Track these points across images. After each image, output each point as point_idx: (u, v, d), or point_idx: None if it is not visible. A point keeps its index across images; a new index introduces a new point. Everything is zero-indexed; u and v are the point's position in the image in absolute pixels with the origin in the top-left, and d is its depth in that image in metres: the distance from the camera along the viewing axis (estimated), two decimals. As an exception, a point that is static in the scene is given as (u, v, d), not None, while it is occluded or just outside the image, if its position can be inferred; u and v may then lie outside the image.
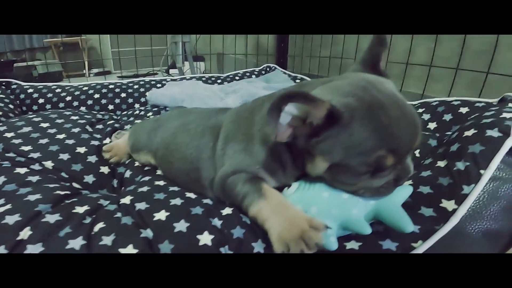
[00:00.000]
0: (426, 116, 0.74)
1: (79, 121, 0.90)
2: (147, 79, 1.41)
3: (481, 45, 0.94)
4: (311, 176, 0.46)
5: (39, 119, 0.85)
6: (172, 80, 1.47)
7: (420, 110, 0.77)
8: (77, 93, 1.23)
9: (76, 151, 0.74)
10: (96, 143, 0.80)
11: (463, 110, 0.67)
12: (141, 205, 0.50)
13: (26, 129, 0.78)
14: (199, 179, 0.57)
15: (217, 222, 0.46)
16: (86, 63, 3.25)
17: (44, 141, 0.74)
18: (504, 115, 0.53)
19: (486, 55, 0.85)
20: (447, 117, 0.69)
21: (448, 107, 0.71)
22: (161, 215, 0.47)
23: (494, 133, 0.49)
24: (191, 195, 0.54)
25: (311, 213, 0.43)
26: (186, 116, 0.70)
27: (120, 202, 0.53)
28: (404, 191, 0.45)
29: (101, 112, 1.17)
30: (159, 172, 0.71)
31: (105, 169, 0.73)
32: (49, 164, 0.67)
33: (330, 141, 0.39)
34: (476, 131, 0.52)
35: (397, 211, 0.41)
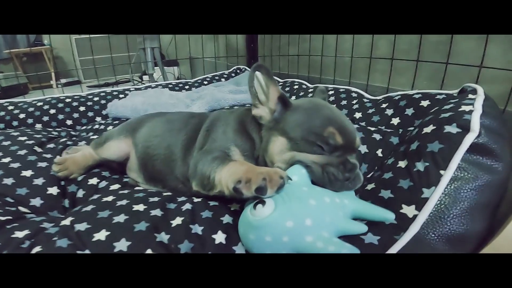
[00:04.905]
0: (389, 112, 0.72)
1: (27, 141, 0.84)
2: (108, 89, 1.34)
3: (439, 36, 0.93)
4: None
5: (-18, 142, 0.79)
6: (136, 89, 1.41)
7: (384, 105, 0.75)
8: (31, 109, 1.15)
9: (21, 174, 0.69)
10: (43, 164, 0.74)
11: (424, 103, 0.65)
12: (81, 226, 0.48)
13: (-31, 154, 0.72)
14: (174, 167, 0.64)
15: (163, 237, 0.45)
16: (53, 73, 3.11)
17: (-13, 166, 0.69)
18: (463, 108, 0.50)
19: (444, 46, 0.84)
20: (409, 111, 0.67)
21: (410, 101, 0.68)
22: (101, 235, 0.45)
23: (452, 129, 0.46)
24: (140, 208, 0.52)
25: (306, 226, 0.38)
26: (171, 115, 0.78)
27: (60, 224, 0.51)
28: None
29: (57, 129, 1.10)
30: (112, 187, 0.69)
31: (53, 190, 0.69)
32: (-8, 189, 0.63)
33: (287, 122, 0.50)
34: (434, 127, 0.49)
35: (373, 206, 0.43)
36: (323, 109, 0.50)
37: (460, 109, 0.50)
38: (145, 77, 2.54)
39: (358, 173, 0.46)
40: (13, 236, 0.47)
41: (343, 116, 0.51)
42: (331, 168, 0.45)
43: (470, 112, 0.48)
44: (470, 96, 0.54)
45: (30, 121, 1.13)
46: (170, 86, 1.50)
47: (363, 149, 0.61)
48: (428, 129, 0.50)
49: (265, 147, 0.52)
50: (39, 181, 0.69)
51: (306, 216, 0.38)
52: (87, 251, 0.43)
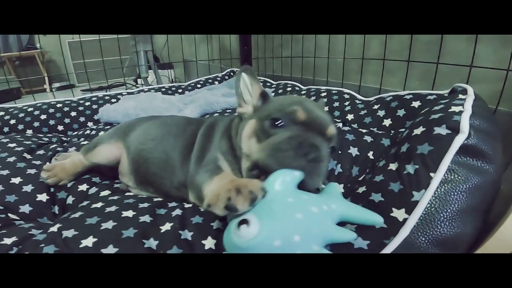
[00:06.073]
0: (381, 113, 0.71)
1: (17, 148, 0.83)
2: (100, 94, 1.33)
3: (429, 36, 0.93)
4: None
5: (-29, 149, 0.78)
6: (128, 93, 1.40)
7: (376, 107, 0.74)
8: (21, 115, 1.14)
9: (11, 182, 0.69)
10: (33, 171, 0.74)
11: (416, 104, 0.64)
12: (68, 233, 0.48)
13: (-43, 162, 0.72)
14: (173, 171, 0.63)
15: (152, 243, 0.45)
16: (46, 77, 3.09)
17: (-24, 174, 0.69)
18: (453, 108, 0.50)
19: (435, 46, 0.84)
20: (401, 112, 0.66)
21: (401, 102, 0.68)
22: (88, 241, 0.45)
23: (442, 130, 0.46)
24: (129, 214, 0.52)
25: (295, 242, 0.36)
26: (165, 118, 0.78)
27: (49, 231, 0.51)
28: (333, 186, 0.50)
29: (48, 135, 1.09)
30: (103, 193, 0.68)
31: (42, 197, 0.68)
32: (-19, 197, 0.63)
33: (262, 108, 0.53)
34: (424, 129, 0.49)
35: (362, 209, 0.43)
36: (299, 98, 0.52)
37: (450, 110, 0.49)
38: (140, 81, 2.52)
39: (319, 158, 0.42)
40: (1, 242, 0.48)
41: (319, 107, 0.50)
42: (281, 144, 0.42)
43: (460, 113, 0.47)
44: (460, 96, 0.54)
45: (20, 127, 1.11)
46: (163, 90, 1.49)
47: (354, 151, 0.61)
48: (418, 131, 0.49)
49: (239, 137, 0.52)
50: (28, 188, 0.68)
51: (293, 232, 0.36)
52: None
